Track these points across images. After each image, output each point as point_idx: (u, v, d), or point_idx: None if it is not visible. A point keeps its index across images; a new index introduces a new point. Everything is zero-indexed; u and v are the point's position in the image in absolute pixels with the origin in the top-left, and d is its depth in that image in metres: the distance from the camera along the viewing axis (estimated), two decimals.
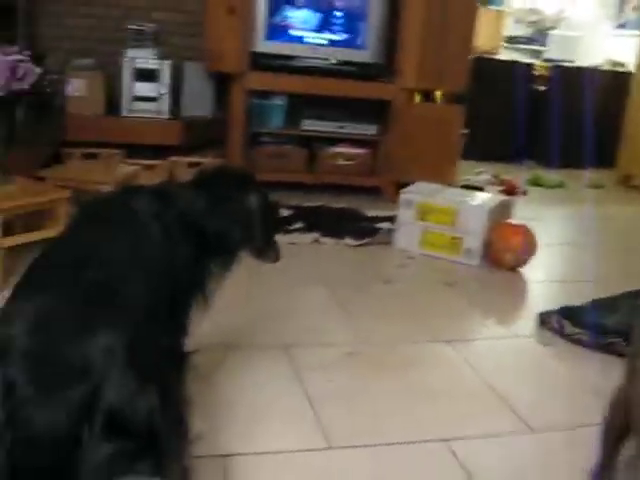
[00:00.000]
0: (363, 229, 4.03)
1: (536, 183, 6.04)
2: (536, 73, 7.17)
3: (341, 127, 4.85)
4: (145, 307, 1.44)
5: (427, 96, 5.15)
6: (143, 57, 4.66)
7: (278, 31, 4.64)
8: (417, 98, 5.11)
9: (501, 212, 3.88)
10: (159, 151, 4.57)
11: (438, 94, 5.16)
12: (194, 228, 1.66)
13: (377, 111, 4.92)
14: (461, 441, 2.11)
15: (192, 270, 1.66)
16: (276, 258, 2.17)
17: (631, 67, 6.89)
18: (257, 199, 1.92)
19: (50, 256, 1.53)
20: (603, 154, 6.82)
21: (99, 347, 1.26)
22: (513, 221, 3.85)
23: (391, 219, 4.01)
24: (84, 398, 1.22)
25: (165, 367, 1.50)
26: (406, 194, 3.85)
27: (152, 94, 4.64)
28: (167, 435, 1.38)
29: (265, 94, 4.83)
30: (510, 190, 5.46)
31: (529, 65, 7.17)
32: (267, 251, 2.11)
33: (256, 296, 3.02)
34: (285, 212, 4.17)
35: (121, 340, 1.28)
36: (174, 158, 4.56)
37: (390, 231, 3.95)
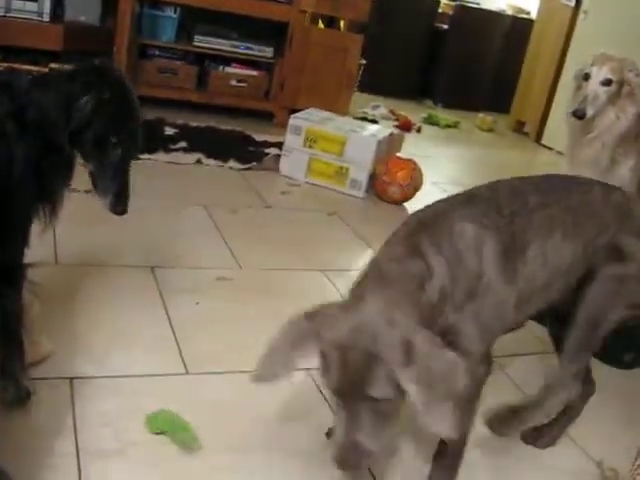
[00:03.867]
0: (250, 153, 3.89)
1: (431, 121, 6.03)
2: (440, 10, 7.10)
3: (236, 46, 4.63)
4: None
5: (332, 24, 4.99)
6: None
7: None
8: (321, 24, 4.95)
9: (390, 145, 3.83)
10: (39, 56, 4.23)
11: (342, 23, 5.00)
12: (33, 126, 1.46)
13: (275, 33, 4.73)
14: None
15: (30, 175, 1.46)
16: (117, 202, 1.67)
17: (533, 15, 6.91)
18: (94, 100, 1.54)
19: None
20: (500, 99, 6.90)
21: None
22: (402, 155, 3.80)
23: (280, 145, 3.88)
24: None
25: None
26: (295, 119, 3.72)
27: None
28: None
29: (157, 4, 4.54)
30: (405, 126, 5.43)
31: (435, 2, 7.08)
32: (105, 183, 1.65)
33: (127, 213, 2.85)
34: (169, 130, 3.97)
35: None
36: (54, 65, 4.23)
37: (277, 157, 3.82)
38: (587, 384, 1.87)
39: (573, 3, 5.97)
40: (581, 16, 5.92)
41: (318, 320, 1.33)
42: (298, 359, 1.36)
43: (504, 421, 1.72)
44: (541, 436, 1.95)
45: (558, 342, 1.80)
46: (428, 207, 1.59)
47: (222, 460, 1.66)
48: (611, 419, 2.12)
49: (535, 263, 1.53)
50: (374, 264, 1.44)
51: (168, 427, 1.69)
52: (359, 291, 1.36)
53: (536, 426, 1.99)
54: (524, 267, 1.51)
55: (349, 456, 1.31)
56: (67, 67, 1.64)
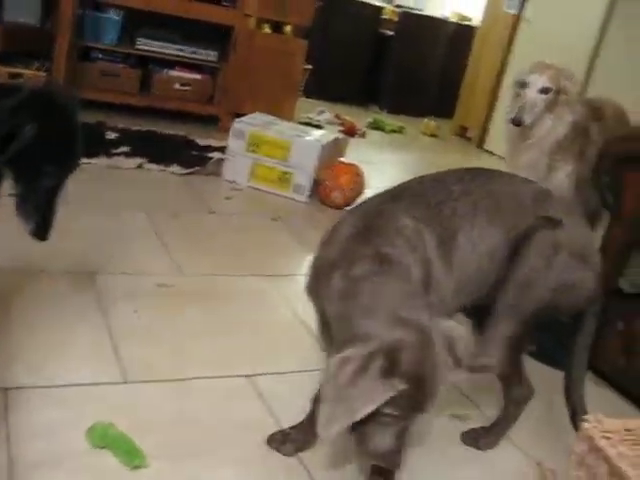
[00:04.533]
0: (193, 158, 3.86)
1: (376, 127, 6.07)
2: (385, 17, 7.16)
3: (180, 50, 4.59)
4: None
5: (278, 28, 4.99)
6: None
7: None
8: (267, 29, 4.95)
9: (334, 150, 3.84)
10: None
11: (288, 27, 5.01)
12: None
13: (219, 37, 4.70)
14: (264, 376, 2.07)
15: None
16: (38, 229, 1.61)
17: (476, 22, 7.02)
18: (35, 130, 1.48)
19: None
20: (444, 105, 6.98)
21: None
22: (345, 160, 3.82)
23: (223, 149, 3.86)
24: None
25: None
26: (239, 124, 3.71)
27: None
28: None
29: (99, 6, 4.47)
30: (350, 131, 5.45)
31: (379, 8, 7.14)
32: (28, 209, 1.59)
33: (65, 217, 2.79)
34: (111, 135, 3.91)
35: None
36: None
37: (221, 161, 3.80)
38: (525, 387, 1.91)
39: (516, 11, 6.08)
40: (523, 24, 6.04)
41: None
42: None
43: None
44: (482, 437, 1.98)
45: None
46: (364, 205, 1.67)
47: (163, 470, 1.64)
48: (550, 420, 2.16)
49: (466, 248, 1.60)
50: (346, 277, 1.45)
51: (110, 442, 1.65)
52: (368, 323, 1.37)
53: (476, 428, 2.02)
54: (456, 254, 1.58)
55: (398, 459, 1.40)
56: (18, 85, 1.60)
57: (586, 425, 1.14)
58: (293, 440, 1.78)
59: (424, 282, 1.48)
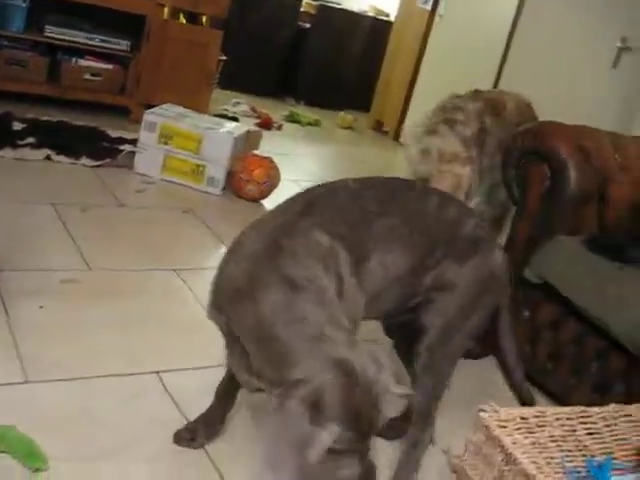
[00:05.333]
0: (103, 150, 3.76)
1: (293, 119, 6.07)
2: (303, 9, 7.15)
3: (90, 38, 4.45)
4: None
5: (195, 19, 4.91)
6: None
7: None
8: (182, 19, 4.87)
9: (248, 143, 3.82)
10: None
11: (205, 18, 4.94)
12: None
13: (132, 26, 4.59)
14: (173, 372, 2.05)
15: None
16: None
17: (393, 16, 7.08)
18: None
19: None
20: (360, 98, 7.03)
21: None
22: (258, 153, 3.81)
23: (135, 142, 3.77)
24: None
25: None
26: (150, 115, 3.64)
27: None
28: None
29: None
30: (266, 124, 5.43)
31: (297, 0, 7.12)
32: None
33: None
34: (17, 125, 3.78)
35: None
36: None
37: (132, 154, 3.72)
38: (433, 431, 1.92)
39: (429, 7, 6.17)
40: (437, 19, 6.13)
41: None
42: None
43: None
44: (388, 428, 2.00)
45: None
46: (272, 216, 1.57)
47: (69, 471, 1.60)
48: (460, 409, 2.19)
49: (377, 272, 1.57)
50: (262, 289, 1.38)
51: (9, 445, 1.59)
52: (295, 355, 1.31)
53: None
54: (369, 276, 1.55)
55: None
56: None
57: (482, 415, 1.17)
58: (200, 435, 1.77)
59: (338, 297, 1.43)
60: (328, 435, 1.23)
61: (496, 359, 2.08)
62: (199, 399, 1.82)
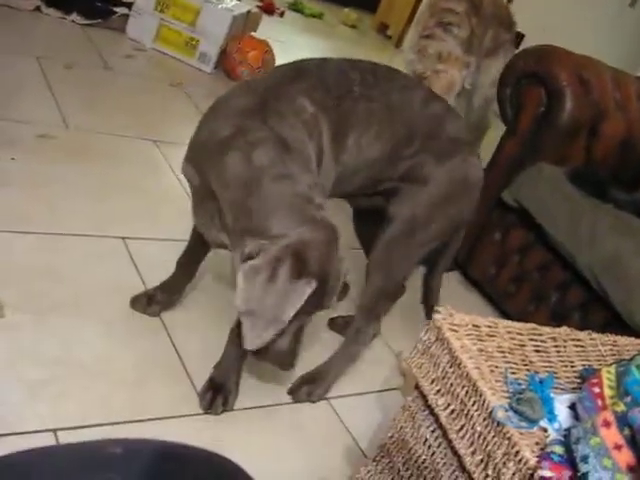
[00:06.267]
0: (96, 9, 3.60)
1: (296, 8, 5.88)
2: None
3: None
4: None
5: None
6: None
7: None
8: None
9: (246, 24, 3.70)
10: None
11: None
12: None
13: None
14: (139, 240, 2.05)
15: None
16: None
17: None
18: None
19: None
20: None
21: None
22: (255, 36, 3.69)
23: (130, 5, 3.62)
24: None
25: None
26: None
27: None
28: None
29: None
30: (268, 8, 5.25)
31: None
32: None
33: None
34: None
35: None
36: None
37: (126, 18, 3.58)
38: (378, 326, 1.95)
39: None
40: None
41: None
42: None
43: None
44: (348, 325, 2.00)
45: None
46: (259, 80, 1.57)
47: (23, 321, 1.61)
48: (415, 316, 2.21)
49: (351, 151, 1.57)
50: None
51: None
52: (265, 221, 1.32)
53: (343, 315, 2.07)
54: (343, 153, 1.55)
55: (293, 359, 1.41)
56: None
57: (436, 316, 1.18)
58: (157, 302, 1.79)
59: (317, 167, 1.45)
60: (309, 289, 1.27)
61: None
62: (161, 269, 1.82)
